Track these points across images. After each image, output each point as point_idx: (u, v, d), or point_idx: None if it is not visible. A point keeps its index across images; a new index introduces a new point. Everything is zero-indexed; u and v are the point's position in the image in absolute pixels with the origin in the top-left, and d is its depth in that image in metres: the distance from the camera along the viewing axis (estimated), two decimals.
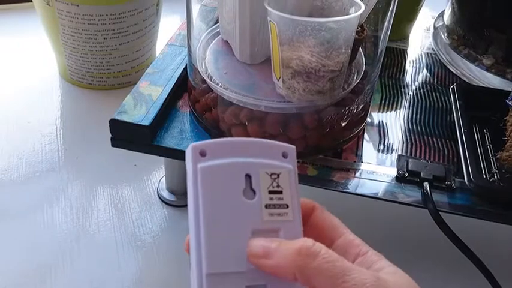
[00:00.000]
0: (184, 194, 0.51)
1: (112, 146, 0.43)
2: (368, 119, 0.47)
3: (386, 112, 0.48)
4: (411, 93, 0.51)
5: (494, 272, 0.40)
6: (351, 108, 0.41)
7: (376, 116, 0.48)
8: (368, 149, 0.44)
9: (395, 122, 0.47)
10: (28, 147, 0.56)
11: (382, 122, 0.47)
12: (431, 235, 0.47)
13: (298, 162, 0.41)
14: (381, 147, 0.44)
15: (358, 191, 0.40)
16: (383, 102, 0.50)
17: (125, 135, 0.42)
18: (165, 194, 0.51)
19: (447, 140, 0.45)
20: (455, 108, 0.46)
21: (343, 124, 0.42)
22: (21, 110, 0.61)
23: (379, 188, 0.40)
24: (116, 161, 0.55)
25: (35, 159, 0.55)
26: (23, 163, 0.54)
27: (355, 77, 0.43)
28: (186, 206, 0.51)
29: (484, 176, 0.41)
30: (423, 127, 0.47)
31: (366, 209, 0.51)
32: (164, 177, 0.51)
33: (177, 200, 0.50)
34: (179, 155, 0.42)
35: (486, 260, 0.40)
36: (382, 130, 0.46)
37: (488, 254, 0.41)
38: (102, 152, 0.55)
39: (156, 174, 0.54)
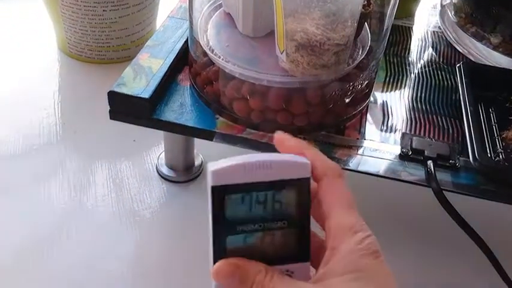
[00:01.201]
0: (184, 169, 0.50)
1: (110, 118, 0.42)
2: (372, 97, 0.46)
3: (391, 90, 0.48)
4: (416, 71, 0.50)
5: (496, 252, 0.40)
6: (355, 84, 0.40)
7: (380, 94, 0.47)
8: (371, 126, 0.43)
9: (399, 100, 0.46)
10: (25, 120, 0.55)
11: (386, 100, 0.46)
12: (434, 215, 0.46)
13: (300, 137, 0.41)
14: (385, 125, 0.44)
15: (361, 169, 0.39)
16: (387, 80, 0.49)
17: (124, 108, 0.41)
18: (164, 170, 0.50)
19: (452, 119, 0.45)
20: (461, 86, 0.45)
21: (347, 100, 0.41)
22: (18, 83, 0.60)
23: (381, 166, 0.40)
24: (114, 136, 0.54)
25: (32, 133, 0.54)
26: (21, 137, 0.53)
27: (360, 53, 0.42)
28: (185, 182, 0.50)
29: (489, 155, 0.40)
30: (428, 105, 0.46)
31: (368, 187, 0.50)
32: (163, 153, 0.51)
33: (176, 175, 0.50)
34: (179, 129, 0.41)
35: (489, 241, 0.40)
36: (386, 108, 0.45)
37: (491, 234, 0.40)
38: (101, 127, 0.55)
39: (155, 149, 0.53)
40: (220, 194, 0.29)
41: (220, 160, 0.30)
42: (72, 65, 0.63)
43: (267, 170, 0.29)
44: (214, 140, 0.41)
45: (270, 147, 0.40)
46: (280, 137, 0.31)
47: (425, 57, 0.53)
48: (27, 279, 0.41)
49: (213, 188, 0.29)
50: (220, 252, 0.30)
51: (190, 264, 0.39)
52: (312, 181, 0.30)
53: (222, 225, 0.30)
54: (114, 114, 0.41)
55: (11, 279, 0.41)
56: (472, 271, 0.44)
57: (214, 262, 0.31)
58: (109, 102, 0.41)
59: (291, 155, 0.30)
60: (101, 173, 0.51)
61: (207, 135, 0.41)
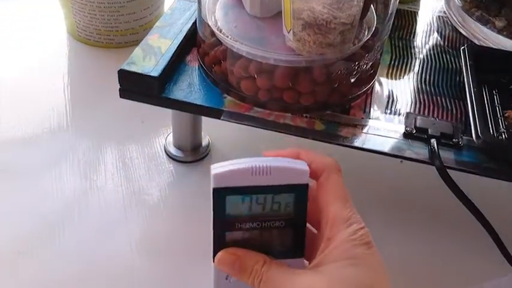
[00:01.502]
0: (191, 150, 0.51)
1: (120, 97, 0.43)
2: (377, 79, 0.46)
3: (396, 73, 0.48)
4: (421, 54, 0.51)
5: (498, 229, 0.41)
6: (360, 64, 0.41)
7: (385, 76, 0.47)
8: (376, 107, 0.44)
9: (404, 82, 0.47)
10: (36, 103, 0.56)
11: (391, 81, 0.47)
12: (437, 194, 0.47)
13: (306, 117, 0.42)
14: (389, 105, 0.44)
15: (365, 146, 0.40)
16: (393, 63, 0.49)
17: (134, 87, 0.42)
18: (172, 150, 0.51)
19: (456, 100, 0.45)
20: (465, 68, 0.45)
21: (352, 80, 0.42)
22: (28, 67, 0.61)
23: (386, 144, 0.41)
24: (123, 118, 0.55)
25: (42, 115, 0.55)
26: (31, 119, 0.54)
27: (365, 34, 0.42)
28: (192, 161, 0.51)
29: (492, 134, 0.41)
30: (432, 87, 0.47)
31: (372, 166, 0.51)
32: (171, 134, 0.52)
33: (184, 156, 0.51)
34: (187, 107, 0.42)
35: (491, 219, 0.40)
36: (391, 89, 0.46)
37: (492, 212, 0.41)
38: (110, 110, 0.56)
39: (163, 131, 0.54)
40: (221, 195, 0.31)
41: (223, 162, 0.31)
42: (81, 48, 0.64)
43: (267, 175, 0.31)
44: (222, 117, 0.41)
45: (276, 125, 0.41)
46: (272, 153, 0.32)
47: (430, 41, 0.54)
48: (40, 259, 0.42)
49: (214, 190, 0.31)
50: (220, 245, 0.32)
51: (196, 241, 0.40)
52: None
53: (222, 222, 0.32)
54: (124, 93, 0.42)
55: (24, 260, 0.42)
56: (473, 247, 0.45)
57: (214, 253, 0.33)
58: (119, 80, 0.42)
59: (292, 161, 0.31)
60: (110, 153, 0.52)
61: (215, 113, 0.42)
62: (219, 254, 0.33)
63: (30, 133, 0.53)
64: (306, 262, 0.34)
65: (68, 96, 0.57)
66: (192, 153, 0.51)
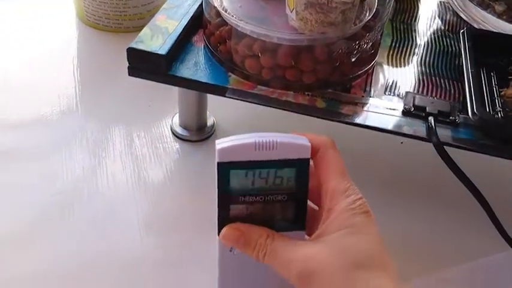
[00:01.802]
0: (197, 129, 0.53)
1: (129, 75, 0.44)
2: (378, 60, 0.48)
3: (397, 54, 0.49)
4: (422, 38, 0.52)
5: (495, 208, 0.42)
6: (361, 43, 0.42)
7: (386, 58, 0.49)
8: (377, 86, 0.45)
9: (404, 63, 0.48)
10: (45, 86, 0.57)
11: (392, 63, 0.48)
12: (436, 174, 0.48)
13: (307, 95, 0.43)
14: (389, 85, 0.46)
15: (365, 123, 0.42)
16: (393, 45, 0.50)
17: (142, 64, 0.43)
18: (178, 130, 0.53)
19: (455, 81, 0.47)
20: (463, 50, 0.47)
21: (353, 59, 0.43)
22: (38, 51, 0.62)
23: (385, 121, 0.42)
24: (130, 101, 0.57)
25: (52, 98, 0.56)
26: (41, 102, 0.55)
27: (367, 14, 0.44)
28: (198, 141, 0.53)
29: (488, 111, 0.42)
30: (432, 69, 0.48)
31: (373, 147, 0.52)
32: (177, 115, 0.53)
33: (190, 135, 0.52)
34: (193, 85, 0.43)
35: (488, 197, 0.41)
36: (391, 70, 0.47)
37: (490, 191, 0.42)
38: (118, 92, 0.57)
39: (169, 112, 0.55)
40: (226, 169, 0.33)
41: (227, 137, 0.33)
42: (90, 33, 0.65)
43: (270, 150, 0.32)
44: (226, 94, 0.43)
45: (278, 103, 0.43)
46: None
47: (432, 25, 0.55)
48: (50, 238, 0.43)
49: (219, 164, 0.33)
50: (224, 218, 0.34)
51: (202, 217, 0.41)
52: None
53: (227, 195, 0.34)
54: (133, 71, 0.44)
55: (35, 240, 0.43)
56: (471, 225, 0.46)
57: (219, 227, 0.34)
58: (128, 58, 0.43)
59: (294, 136, 0.33)
60: (118, 134, 0.53)
61: (220, 90, 0.43)
62: (224, 229, 0.34)
63: (40, 115, 0.54)
64: (307, 237, 0.36)
65: (78, 78, 0.59)
66: (198, 133, 0.52)
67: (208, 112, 0.53)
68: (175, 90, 0.51)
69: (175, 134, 0.53)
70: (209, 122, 0.53)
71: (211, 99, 0.53)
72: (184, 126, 0.52)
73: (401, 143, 0.54)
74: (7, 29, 0.64)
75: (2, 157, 0.49)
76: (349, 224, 0.32)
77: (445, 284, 0.42)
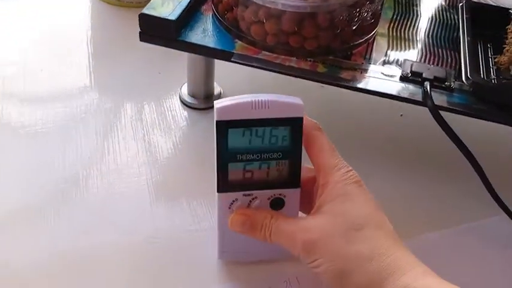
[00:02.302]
0: (204, 98, 0.55)
1: (140, 40, 0.47)
2: (378, 31, 0.50)
3: (397, 26, 0.51)
4: (422, 11, 0.54)
5: (489, 173, 0.43)
6: (361, 12, 0.44)
7: (386, 29, 0.51)
8: (376, 55, 0.47)
9: (404, 34, 0.50)
10: (59, 60, 0.60)
11: (392, 33, 0.50)
12: (433, 143, 0.51)
13: (309, 61, 0.45)
14: (389, 54, 0.48)
15: (364, 87, 0.44)
16: (394, 17, 0.52)
17: (153, 30, 0.46)
18: (186, 98, 0.55)
19: (452, 51, 0.48)
20: (461, 21, 0.48)
21: (354, 27, 0.45)
22: (50, 25, 0.64)
23: (383, 86, 0.44)
24: (141, 71, 0.59)
25: (65, 71, 0.58)
26: (54, 75, 0.58)
27: None
28: (205, 109, 0.55)
29: (482, 76, 0.44)
30: (431, 39, 0.50)
31: (372, 118, 0.55)
32: (186, 84, 0.55)
33: (197, 103, 0.54)
34: (201, 50, 0.46)
35: (481, 161, 0.43)
36: (391, 40, 0.49)
37: (483, 156, 0.44)
38: (129, 64, 0.60)
39: (179, 82, 0.57)
40: (224, 127, 0.35)
41: (225, 98, 0.35)
42: (102, 8, 0.68)
43: (265, 108, 0.35)
44: (232, 59, 0.45)
45: (282, 67, 0.45)
46: None
47: (433, 0, 0.56)
48: (67, 208, 0.45)
49: (217, 122, 0.35)
50: (223, 176, 0.36)
51: (208, 182, 0.42)
52: None
53: (225, 154, 0.36)
54: (144, 36, 0.46)
55: (47, 215, 0.44)
56: (466, 190, 0.48)
57: (218, 184, 0.37)
58: (140, 24, 0.46)
59: (288, 97, 0.35)
60: (129, 102, 0.55)
61: (226, 55, 0.45)
62: (231, 216, 0.37)
63: (55, 87, 0.56)
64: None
65: (91, 50, 0.61)
66: (205, 101, 0.54)
67: (215, 83, 0.56)
68: (184, 61, 0.54)
69: (183, 102, 0.55)
70: (216, 91, 0.56)
71: (219, 71, 0.55)
72: (192, 94, 0.55)
73: (401, 115, 0.56)
74: (21, 3, 0.67)
75: (19, 132, 0.51)
76: (342, 193, 0.35)
77: (435, 245, 0.44)
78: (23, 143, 0.50)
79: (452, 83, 0.44)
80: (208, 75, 0.53)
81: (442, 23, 0.52)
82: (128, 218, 0.45)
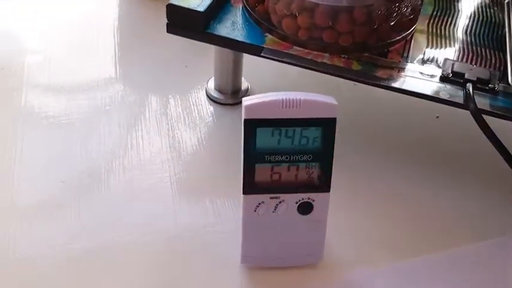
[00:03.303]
0: (231, 93, 0.53)
1: (167, 31, 0.45)
2: (417, 28, 0.47)
3: (437, 22, 0.49)
4: (464, 8, 0.51)
5: None
6: (400, 7, 0.42)
7: (426, 25, 0.48)
8: (415, 53, 0.45)
9: (445, 31, 0.48)
10: (85, 50, 0.59)
11: (432, 30, 0.47)
12: (471, 147, 0.48)
13: (343, 57, 0.43)
14: (428, 52, 0.45)
15: (400, 87, 0.41)
16: (435, 13, 0.50)
17: (180, 21, 0.44)
18: (213, 93, 0.53)
19: (496, 51, 0.45)
20: (507, 19, 0.45)
21: (392, 23, 0.43)
22: (76, 14, 0.63)
23: (421, 86, 0.41)
24: (168, 63, 0.58)
25: (91, 62, 0.57)
26: (80, 67, 0.57)
27: None
28: (232, 104, 0.53)
29: None
30: (473, 37, 0.47)
31: (404, 110, 0.52)
32: (213, 78, 0.54)
33: (224, 98, 0.53)
34: (230, 43, 0.44)
35: None
36: (430, 37, 0.47)
37: None
38: (156, 54, 0.58)
39: (205, 76, 0.56)
40: (252, 126, 0.33)
41: (254, 95, 0.33)
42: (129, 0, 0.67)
43: (296, 108, 0.33)
44: (262, 54, 0.43)
45: (314, 63, 0.43)
46: None
47: None
48: (89, 203, 0.44)
49: (245, 121, 0.33)
50: (249, 177, 0.34)
51: (233, 179, 0.41)
52: None
53: (252, 154, 0.34)
54: (171, 28, 0.44)
55: (69, 207, 0.44)
56: (501, 199, 0.45)
57: (244, 185, 0.35)
58: (167, 15, 0.44)
59: (321, 95, 0.33)
60: (154, 95, 0.54)
61: (256, 50, 0.43)
62: None
63: (81, 78, 0.55)
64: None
65: (117, 41, 0.60)
66: (232, 97, 0.53)
67: (243, 78, 0.54)
68: (212, 55, 0.52)
69: (209, 97, 0.53)
70: (243, 87, 0.54)
71: (247, 66, 0.53)
72: (219, 89, 0.53)
73: (437, 117, 0.54)
74: None
75: (42, 122, 0.50)
76: None
77: (458, 260, 0.41)
78: (46, 134, 0.50)
79: (496, 85, 0.41)
80: (236, 69, 0.51)
81: (486, 20, 0.49)
82: (150, 215, 0.43)
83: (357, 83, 0.43)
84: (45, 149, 0.48)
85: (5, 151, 0.47)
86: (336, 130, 0.34)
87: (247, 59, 0.52)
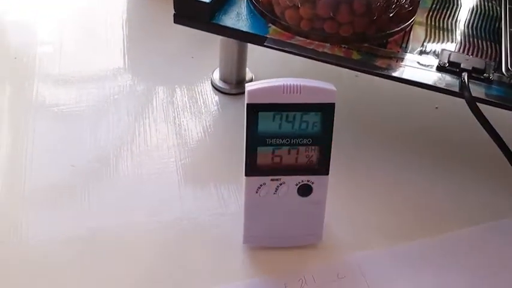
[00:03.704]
0: (236, 83, 0.55)
1: (174, 22, 0.47)
2: (416, 20, 0.48)
3: (436, 15, 0.50)
4: (463, 1, 0.52)
5: None
6: None
7: (425, 18, 0.49)
8: (413, 44, 0.46)
9: (443, 24, 0.49)
10: (92, 41, 0.60)
11: (431, 23, 0.49)
12: (468, 137, 0.49)
13: (344, 47, 0.44)
14: (426, 44, 0.46)
15: (399, 76, 0.43)
16: (434, 6, 0.51)
17: (187, 12, 0.46)
18: (218, 83, 0.55)
19: (493, 43, 0.47)
20: (504, 11, 0.47)
21: (391, 14, 0.44)
22: (86, 6, 0.65)
23: (419, 76, 0.43)
24: (175, 54, 0.59)
25: (100, 53, 0.59)
26: (90, 58, 0.58)
27: None
28: (236, 94, 0.55)
29: None
30: (470, 30, 0.48)
31: (404, 101, 0.54)
32: (218, 68, 0.55)
33: (229, 88, 0.54)
34: (234, 33, 0.46)
35: None
36: (429, 29, 0.48)
37: None
38: (163, 46, 0.60)
39: (211, 67, 0.57)
40: (254, 110, 0.35)
41: (258, 81, 0.35)
42: None
43: (297, 93, 0.34)
44: (265, 43, 0.45)
45: (315, 53, 0.44)
46: None
47: None
48: (98, 188, 0.46)
49: (248, 105, 0.35)
50: (251, 160, 0.36)
51: (236, 167, 0.42)
52: None
53: (254, 137, 0.36)
54: (178, 18, 0.46)
55: (79, 192, 0.45)
56: (496, 185, 0.47)
57: (246, 168, 0.37)
58: (174, 6, 0.46)
59: (320, 82, 0.35)
60: (162, 85, 0.56)
61: (260, 39, 0.45)
62: None
63: (90, 69, 0.57)
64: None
65: (126, 32, 0.62)
66: (236, 86, 0.54)
67: (247, 69, 0.55)
68: (216, 48, 0.53)
69: (215, 87, 0.55)
70: (247, 77, 0.55)
71: (251, 57, 0.55)
72: (223, 79, 0.55)
73: (436, 108, 0.55)
74: None
75: (53, 111, 0.52)
76: None
77: (453, 244, 0.43)
78: (56, 122, 0.51)
79: (491, 75, 0.42)
80: (240, 60, 0.53)
81: (483, 13, 0.51)
82: (157, 199, 0.45)
83: (358, 74, 0.45)
84: (56, 136, 0.50)
85: (17, 138, 0.49)
86: (336, 119, 0.36)
87: (252, 51, 0.54)
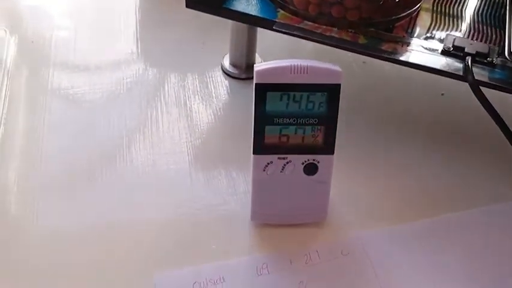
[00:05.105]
0: (245, 68, 0.56)
1: (186, 6, 0.48)
2: (423, 5, 0.49)
3: (442, 2, 0.51)
4: None
5: None
6: None
7: (431, 4, 0.50)
8: (419, 29, 0.47)
9: (449, 10, 0.50)
10: (106, 27, 0.62)
11: (437, 9, 0.50)
12: (470, 120, 0.50)
13: (350, 32, 0.45)
14: (432, 29, 0.47)
15: (404, 59, 0.44)
16: None
17: None
18: (228, 68, 0.56)
19: (497, 29, 0.48)
20: None
21: (397, 0, 0.45)
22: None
23: (424, 59, 0.44)
24: (186, 40, 0.61)
25: (113, 41, 0.60)
26: (103, 47, 0.60)
27: None
28: (246, 79, 0.56)
29: None
30: (476, 16, 0.49)
31: (411, 87, 0.55)
32: (228, 54, 0.57)
33: (239, 72, 0.56)
34: (244, 18, 0.47)
35: None
36: (435, 15, 0.49)
37: None
38: (175, 32, 0.61)
39: (221, 52, 0.58)
40: (262, 90, 0.36)
41: (266, 62, 0.36)
42: None
43: (304, 74, 0.36)
44: (274, 27, 0.46)
45: (322, 37, 0.45)
46: None
47: None
48: (112, 169, 0.47)
49: (256, 85, 0.36)
50: (259, 139, 0.37)
51: (244, 149, 0.43)
52: None
53: (262, 116, 0.37)
54: (190, 3, 0.47)
55: (93, 174, 0.46)
56: (498, 169, 0.48)
57: (254, 146, 0.38)
58: None
59: (326, 63, 0.36)
60: (173, 70, 0.57)
61: (269, 24, 0.46)
62: None
63: (102, 55, 0.58)
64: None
65: (139, 18, 0.63)
66: (246, 71, 0.56)
67: (256, 54, 0.57)
68: (226, 35, 0.55)
69: (225, 72, 0.56)
70: (257, 62, 0.57)
71: (261, 43, 0.56)
72: (233, 64, 0.56)
73: (442, 94, 0.56)
74: None
75: (67, 97, 0.54)
76: None
77: (456, 224, 0.44)
78: (71, 108, 0.53)
79: (494, 59, 0.43)
80: (250, 45, 0.54)
81: (489, 0, 0.51)
82: (168, 177, 0.47)
83: (366, 60, 0.46)
84: (71, 121, 0.52)
85: (32, 123, 0.51)
86: (343, 102, 0.37)
87: (261, 37, 0.55)
